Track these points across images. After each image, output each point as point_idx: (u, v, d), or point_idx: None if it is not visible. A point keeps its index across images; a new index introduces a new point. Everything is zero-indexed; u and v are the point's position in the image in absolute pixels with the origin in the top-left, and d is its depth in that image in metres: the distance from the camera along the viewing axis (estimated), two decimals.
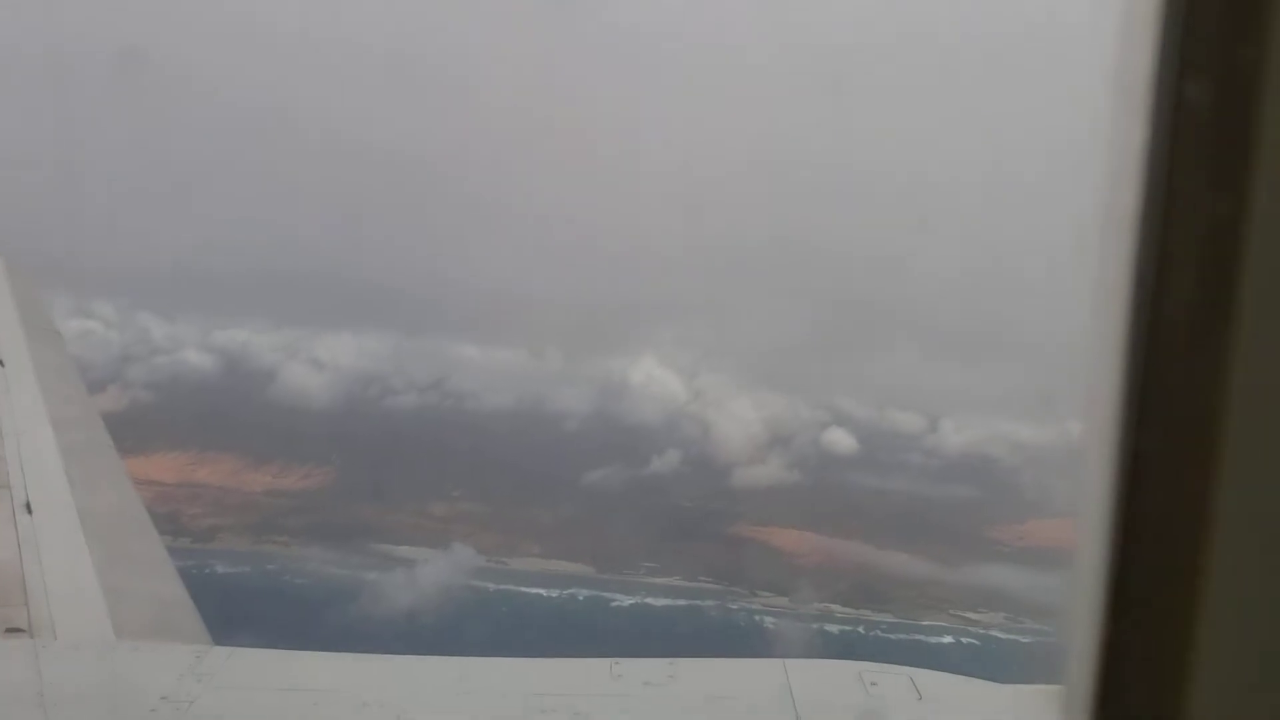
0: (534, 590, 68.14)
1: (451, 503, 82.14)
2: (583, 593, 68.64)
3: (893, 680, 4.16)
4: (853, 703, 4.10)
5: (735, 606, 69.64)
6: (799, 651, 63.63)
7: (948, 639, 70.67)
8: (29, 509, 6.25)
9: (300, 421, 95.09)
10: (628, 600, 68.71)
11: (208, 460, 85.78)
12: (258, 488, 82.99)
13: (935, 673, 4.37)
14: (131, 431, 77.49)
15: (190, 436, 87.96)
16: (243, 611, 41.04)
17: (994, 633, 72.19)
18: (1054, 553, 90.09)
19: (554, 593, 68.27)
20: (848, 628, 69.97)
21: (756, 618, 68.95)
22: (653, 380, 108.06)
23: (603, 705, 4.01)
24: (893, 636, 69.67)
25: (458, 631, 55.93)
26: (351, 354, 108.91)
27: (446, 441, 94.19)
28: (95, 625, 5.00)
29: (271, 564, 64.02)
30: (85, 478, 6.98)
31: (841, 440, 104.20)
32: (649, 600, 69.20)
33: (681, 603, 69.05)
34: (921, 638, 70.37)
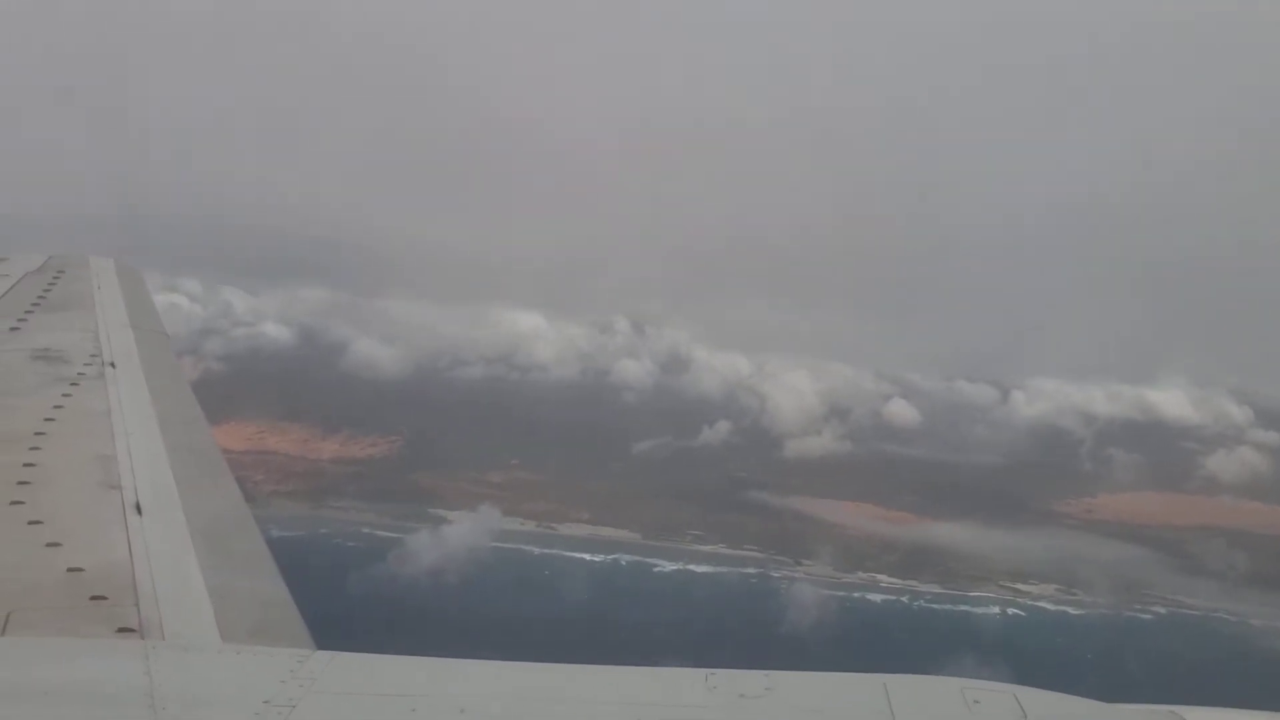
0: (578, 555, 69.60)
1: (509, 471, 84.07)
2: (626, 558, 69.90)
3: (997, 698, 3.93)
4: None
5: (778, 574, 70.09)
6: (836, 619, 64.15)
7: (994, 609, 70.39)
8: (139, 509, 6.19)
9: (371, 392, 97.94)
10: (670, 566, 69.81)
11: (278, 429, 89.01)
12: (324, 456, 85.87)
13: (1042, 691, 3.96)
14: (206, 402, 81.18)
15: (264, 407, 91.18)
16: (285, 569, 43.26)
17: (1043, 604, 71.70)
18: (1121, 526, 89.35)
19: (598, 557, 69.68)
20: (891, 597, 70.14)
21: (798, 585, 69.31)
22: (716, 354, 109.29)
23: (698, 716, 3.89)
24: (936, 606, 69.63)
25: (490, 590, 57.77)
26: (422, 325, 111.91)
27: (510, 412, 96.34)
28: (202, 627, 4.95)
29: (325, 528, 66.52)
30: (191, 479, 6.99)
31: (903, 412, 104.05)
32: (691, 567, 70.19)
33: (724, 570, 69.95)
34: (967, 608, 70.22)
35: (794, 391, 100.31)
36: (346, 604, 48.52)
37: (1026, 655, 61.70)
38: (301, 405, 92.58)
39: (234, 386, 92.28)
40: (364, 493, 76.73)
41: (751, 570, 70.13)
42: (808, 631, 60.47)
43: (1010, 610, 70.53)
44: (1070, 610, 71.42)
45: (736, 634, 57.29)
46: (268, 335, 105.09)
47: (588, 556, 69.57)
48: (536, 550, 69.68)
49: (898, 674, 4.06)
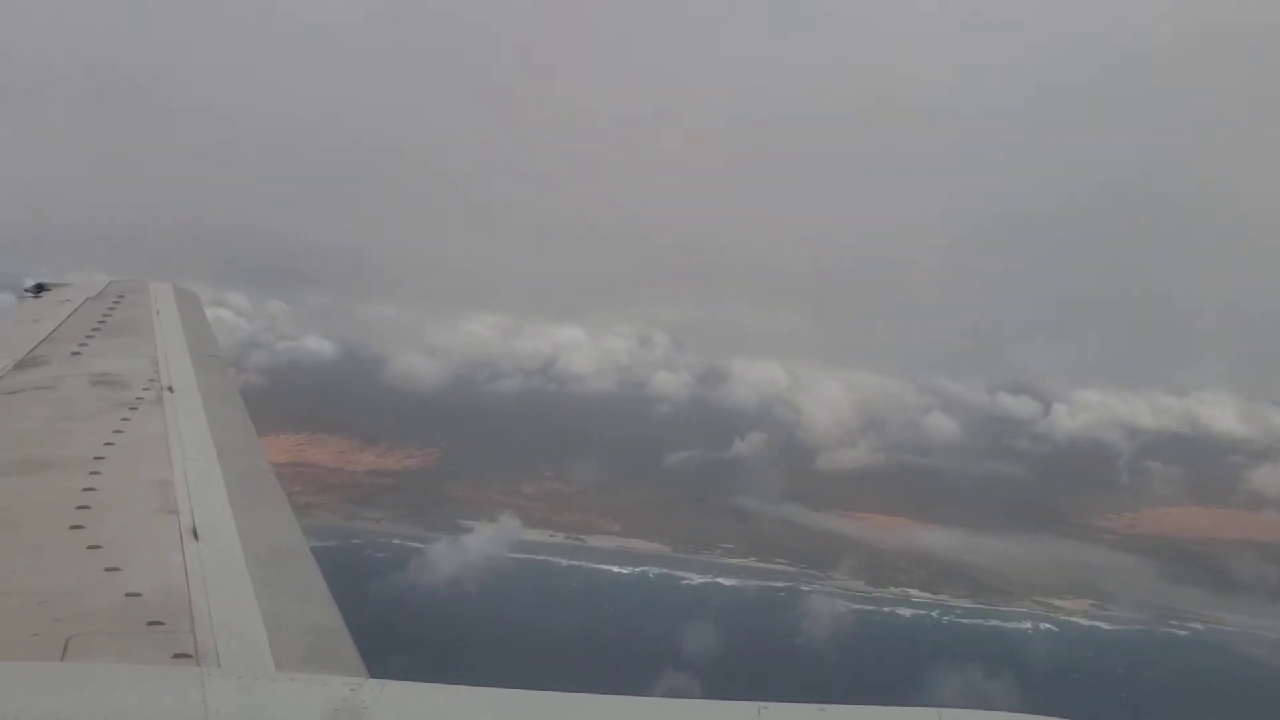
0: (606, 567, 69.86)
1: (541, 482, 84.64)
2: (654, 570, 70.08)
3: None
4: None
5: (807, 588, 69.89)
6: (863, 634, 63.92)
7: (1025, 625, 69.66)
8: (196, 535, 6.17)
9: (410, 404, 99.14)
10: (698, 579, 69.84)
11: (317, 441, 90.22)
12: (361, 467, 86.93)
13: None
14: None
15: (305, 419, 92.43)
16: None
17: (1076, 619, 70.84)
18: (1162, 541, 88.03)
19: (626, 569, 69.90)
20: (921, 612, 69.64)
21: (827, 599, 69.08)
22: (753, 365, 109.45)
23: None
24: (966, 621, 69.06)
25: (508, 602, 58.22)
26: (464, 338, 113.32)
27: (546, 424, 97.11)
28: (256, 653, 4.92)
29: (357, 538, 67.37)
30: (248, 504, 6.96)
31: (943, 425, 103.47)
32: (719, 580, 70.16)
33: (752, 583, 69.83)
34: (998, 623, 69.57)
35: (829, 404, 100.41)
36: (368, 614, 49.24)
37: (1055, 670, 61.20)
38: (342, 417, 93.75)
39: (277, 399, 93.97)
40: (397, 504, 77.60)
41: (780, 584, 69.87)
42: (830, 646, 60.23)
43: (1042, 625, 69.77)
44: (1103, 626, 70.52)
45: (756, 648, 57.29)
46: (307, 348, 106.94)
47: (615, 569, 69.85)
48: (564, 562, 70.03)
49: (954, 708, 3.84)
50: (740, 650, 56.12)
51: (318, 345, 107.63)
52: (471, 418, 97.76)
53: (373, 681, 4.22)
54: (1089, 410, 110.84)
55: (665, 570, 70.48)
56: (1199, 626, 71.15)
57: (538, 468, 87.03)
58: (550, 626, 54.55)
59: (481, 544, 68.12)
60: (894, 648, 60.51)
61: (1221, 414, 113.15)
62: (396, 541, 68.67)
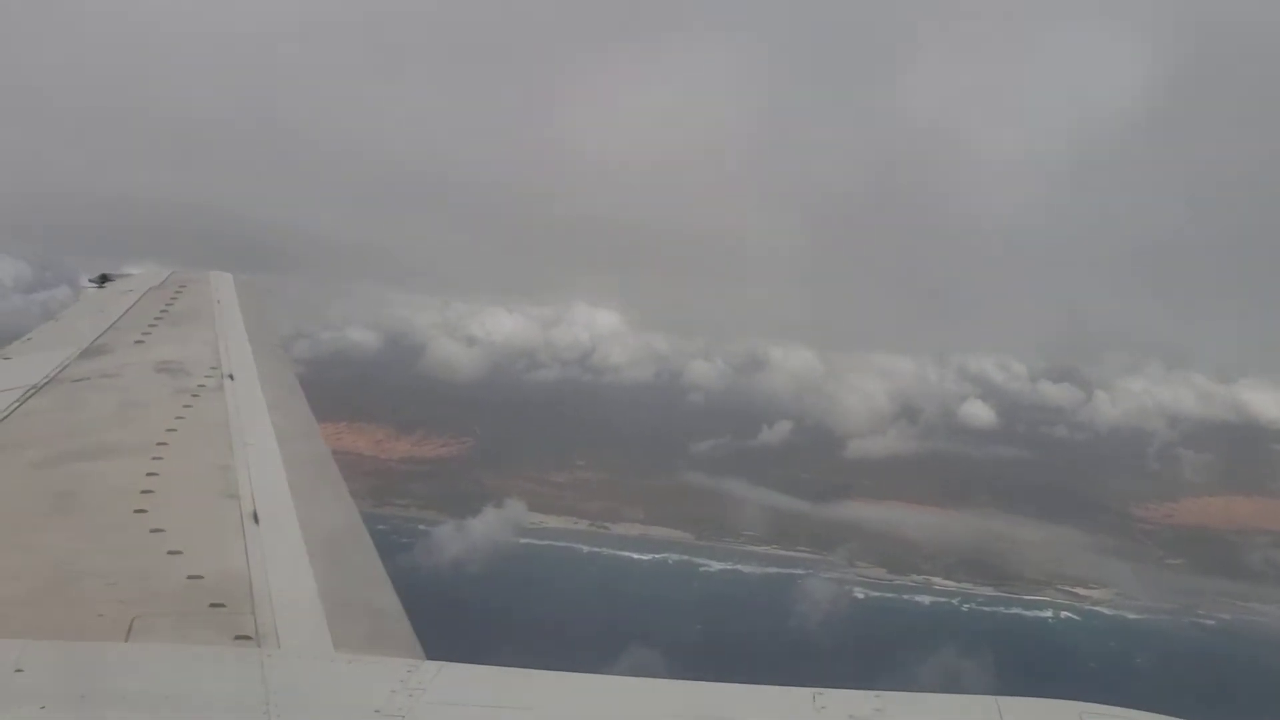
0: (627, 554, 70.69)
1: (573, 471, 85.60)
2: (674, 557, 70.74)
3: None
4: None
5: (828, 576, 70.12)
6: (883, 622, 64.03)
7: (1047, 613, 69.39)
8: (256, 519, 6.26)
9: (448, 393, 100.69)
10: (718, 566, 70.43)
11: (355, 429, 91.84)
12: (396, 455, 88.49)
13: (1160, 716, 3.77)
14: None
15: (345, 407, 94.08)
16: None
17: (1099, 609, 70.37)
18: (1199, 531, 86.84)
19: (647, 556, 70.62)
20: (941, 600, 69.61)
21: (847, 587, 69.34)
22: (789, 356, 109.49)
23: None
24: (987, 609, 68.97)
25: (520, 587, 59.19)
26: (505, 328, 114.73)
27: (581, 413, 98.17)
28: (315, 635, 4.97)
29: (383, 525, 68.68)
30: (307, 489, 7.06)
31: (980, 413, 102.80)
32: (739, 567, 70.69)
33: (773, 570, 70.20)
34: (1019, 611, 69.39)
35: (864, 392, 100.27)
36: None
37: (1071, 658, 60.93)
38: (381, 406, 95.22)
39: (317, 388, 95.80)
40: (428, 492, 78.98)
41: (800, 571, 70.10)
42: (839, 632, 60.50)
43: (1064, 614, 69.44)
44: (1128, 615, 69.92)
45: (763, 633, 57.78)
46: (350, 339, 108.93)
47: (636, 555, 70.63)
48: (585, 549, 70.98)
49: (1011, 696, 3.80)
50: (746, 636, 56.64)
51: (361, 335, 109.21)
52: (507, 407, 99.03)
53: (429, 663, 4.34)
54: (1132, 398, 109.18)
55: (685, 557, 71.14)
56: (1227, 617, 70.25)
57: (569, 456, 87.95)
58: (561, 611, 55.39)
59: (503, 531, 69.37)
60: (906, 634, 60.56)
61: (1269, 401, 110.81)
62: (422, 528, 69.94)
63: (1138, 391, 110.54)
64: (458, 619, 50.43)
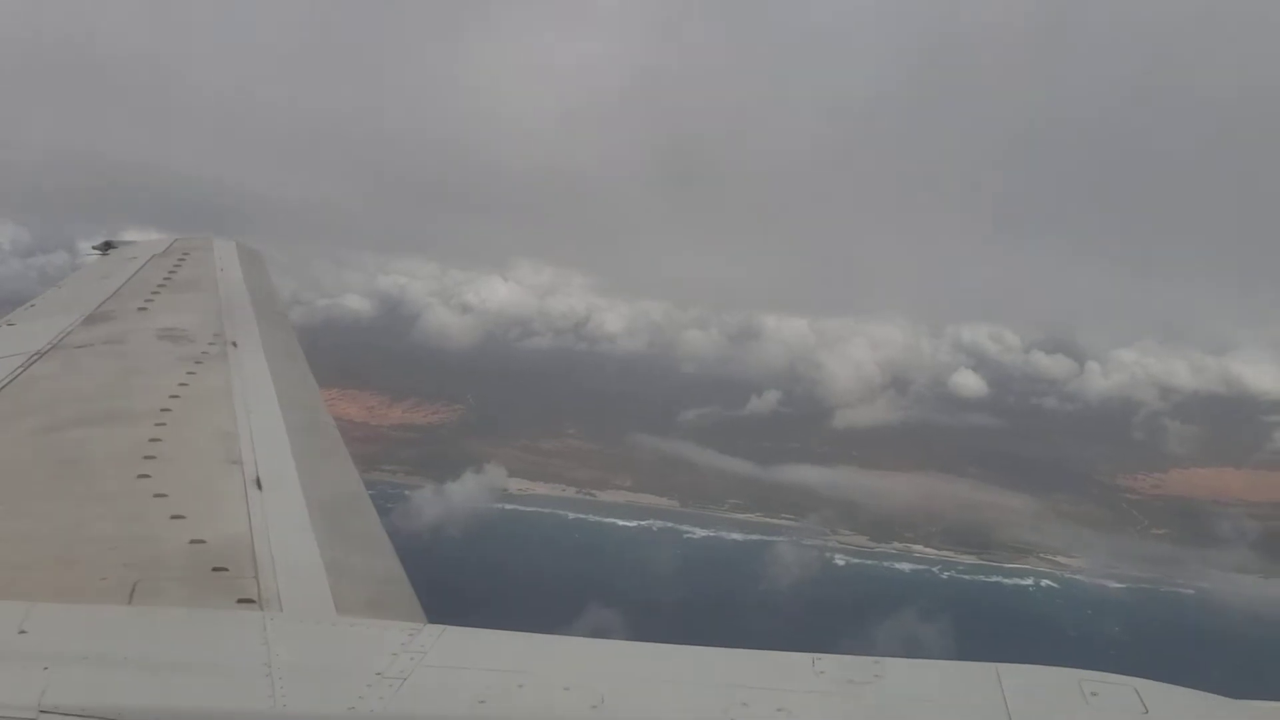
0: (612, 520, 71.44)
1: (562, 439, 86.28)
2: (658, 524, 71.47)
3: (1116, 690, 3.73)
4: (1070, 713, 3.69)
5: (809, 543, 70.82)
6: (859, 588, 64.71)
7: (1027, 581, 70.00)
8: (259, 484, 6.28)
9: (442, 361, 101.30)
10: (701, 533, 71.14)
11: (348, 396, 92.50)
12: (388, 422, 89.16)
13: (1164, 685, 3.80)
14: None
15: (339, 374, 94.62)
16: None
17: (1079, 577, 70.95)
18: (1185, 502, 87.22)
19: (631, 523, 71.39)
20: (921, 567, 70.27)
21: (827, 554, 70.10)
22: (784, 326, 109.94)
23: (804, 702, 3.74)
24: (967, 577, 69.62)
25: (500, 551, 59.99)
26: (500, 296, 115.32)
27: (572, 382, 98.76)
28: (318, 599, 5.02)
29: (371, 490, 69.32)
30: (309, 456, 7.04)
31: (969, 383, 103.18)
32: (722, 534, 71.39)
33: (755, 537, 70.87)
34: (1000, 579, 69.99)
35: (854, 361, 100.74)
36: None
37: (1045, 625, 61.67)
38: (375, 373, 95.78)
39: (311, 355, 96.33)
40: (416, 458, 79.54)
41: (782, 538, 70.76)
42: (814, 597, 61.27)
43: (1044, 582, 70.03)
44: (1109, 584, 70.48)
45: (737, 597, 58.53)
46: (346, 306, 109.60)
47: (621, 522, 71.41)
48: (570, 515, 71.73)
49: (1011, 663, 3.85)
50: (719, 599, 57.39)
51: (357, 303, 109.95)
52: (500, 375, 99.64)
53: (431, 626, 4.37)
54: (1124, 369, 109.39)
55: (670, 524, 71.83)
56: (1206, 586, 70.69)
57: (560, 424, 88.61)
58: (533, 574, 56.20)
59: (488, 497, 70.10)
60: (881, 600, 61.24)
61: (1260, 373, 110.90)
62: (408, 493, 70.62)
63: (1130, 363, 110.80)
64: (431, 583, 51.38)
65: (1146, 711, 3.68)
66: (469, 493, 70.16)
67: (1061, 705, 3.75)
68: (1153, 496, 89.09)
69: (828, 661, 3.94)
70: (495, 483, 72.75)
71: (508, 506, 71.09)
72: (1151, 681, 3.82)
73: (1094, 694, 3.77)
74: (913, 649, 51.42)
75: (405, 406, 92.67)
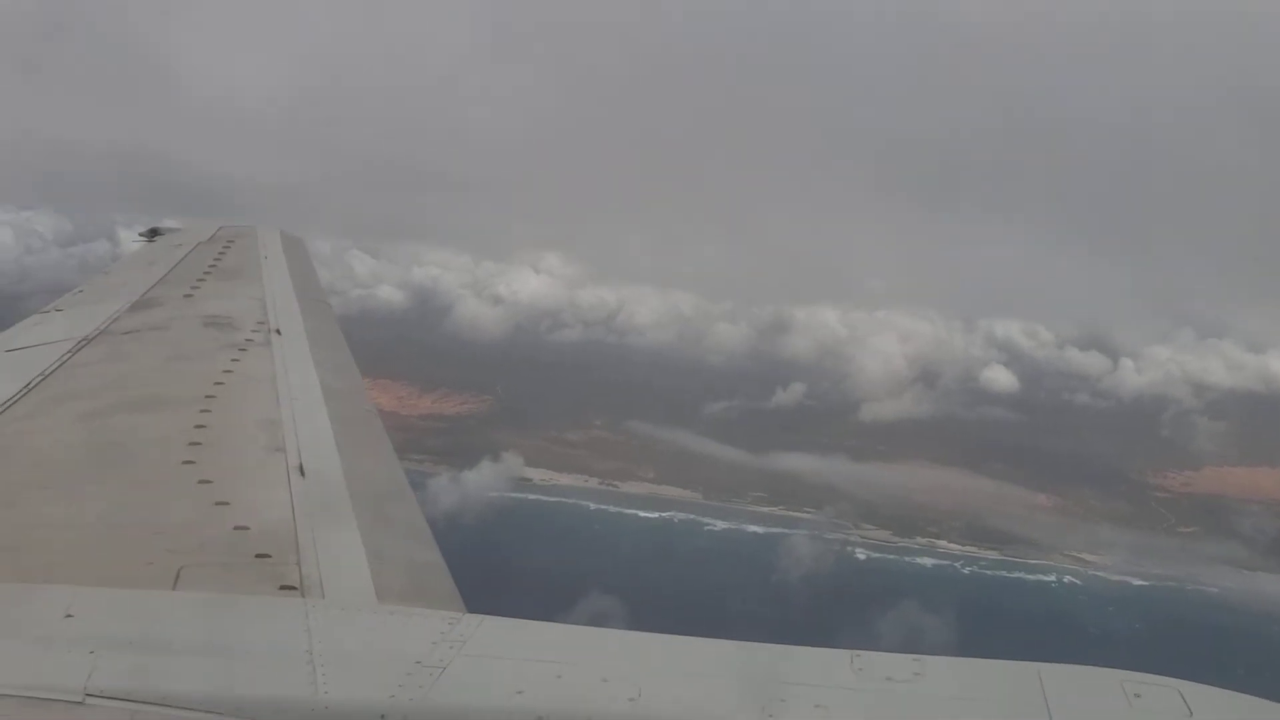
0: (633, 511, 71.72)
1: (588, 430, 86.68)
2: (680, 516, 71.70)
3: (1159, 693, 3.66)
4: (1113, 714, 3.66)
5: (831, 536, 70.83)
6: (878, 582, 64.63)
7: (1050, 577, 69.65)
8: (302, 472, 6.33)
9: (472, 352, 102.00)
10: (722, 525, 71.30)
11: (379, 386, 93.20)
12: (417, 412, 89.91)
13: (1208, 687, 3.72)
14: None
15: (369, 365, 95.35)
16: None
17: (1102, 574, 70.49)
18: (1216, 501, 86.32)
19: (653, 514, 71.64)
20: (944, 562, 70.07)
21: (849, 548, 70.10)
22: (814, 319, 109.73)
23: (842, 699, 3.73)
24: (989, 573, 69.32)
25: (513, 542, 60.22)
26: (530, 288, 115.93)
27: (602, 374, 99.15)
28: (359, 587, 5.01)
29: None
30: (352, 444, 7.08)
31: (1000, 378, 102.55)
32: (744, 526, 71.48)
33: (776, 530, 70.87)
34: (1022, 575, 69.65)
35: (883, 354, 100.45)
36: None
37: (1066, 622, 61.33)
38: (406, 363, 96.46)
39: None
40: (443, 448, 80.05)
41: (804, 532, 70.76)
42: (830, 591, 61.34)
43: (1067, 579, 69.64)
44: (1133, 581, 69.99)
45: (749, 589, 58.61)
46: (379, 297, 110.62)
47: (642, 513, 71.67)
48: (592, 506, 72.07)
49: (1053, 663, 3.81)
50: (734, 591, 57.49)
51: (390, 294, 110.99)
52: (529, 367, 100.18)
53: (470, 616, 4.37)
54: (1158, 366, 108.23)
55: (691, 516, 72.04)
56: (1232, 585, 70.01)
57: (586, 416, 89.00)
58: (550, 564, 56.62)
59: (509, 486, 70.63)
60: (900, 595, 61.12)
61: None
62: (429, 482, 71.15)
63: (1165, 360, 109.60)
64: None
65: (1190, 714, 3.62)
66: (488, 481, 70.62)
67: (1104, 707, 3.70)
68: (1183, 495, 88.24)
69: (866, 658, 3.92)
70: (513, 471, 73.20)
71: (530, 496, 71.62)
72: (1195, 684, 3.76)
73: (1137, 695, 3.71)
74: (925, 643, 51.44)
75: (434, 397, 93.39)
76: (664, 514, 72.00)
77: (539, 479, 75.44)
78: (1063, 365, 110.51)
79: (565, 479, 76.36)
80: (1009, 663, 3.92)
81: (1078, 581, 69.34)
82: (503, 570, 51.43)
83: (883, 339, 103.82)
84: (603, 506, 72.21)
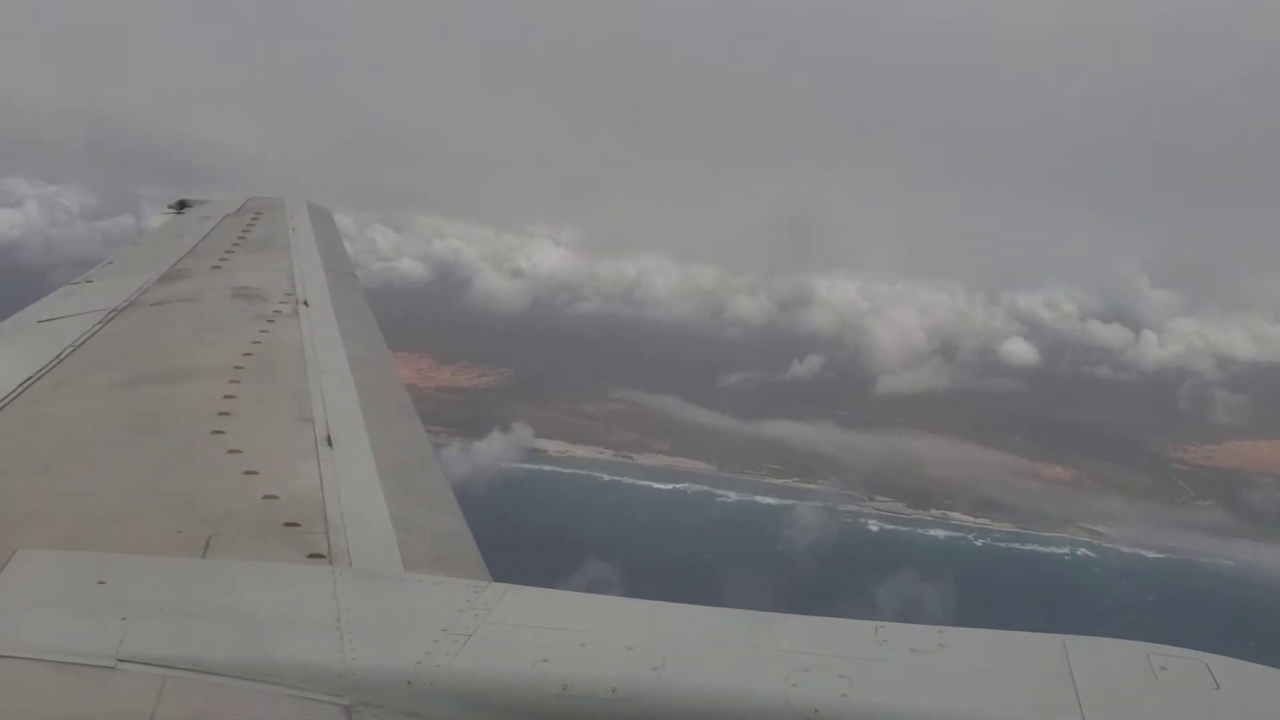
0: (647, 483, 72.13)
1: (604, 403, 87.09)
2: (693, 488, 72.03)
3: (1185, 665, 3.61)
4: (1138, 687, 3.59)
5: (844, 509, 70.97)
6: (886, 554, 64.69)
7: (1063, 550, 69.61)
8: (330, 442, 6.36)
9: (491, 324, 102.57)
10: (735, 496, 71.54)
11: (398, 359, 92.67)
12: (435, 384, 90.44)
13: (1236, 660, 3.65)
14: None
15: (389, 337, 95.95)
16: None
17: (1118, 547, 70.38)
18: (1237, 475, 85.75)
19: (666, 486, 72.04)
20: (957, 534, 70.13)
21: (861, 520, 70.24)
22: (834, 291, 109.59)
23: (866, 669, 3.70)
24: (1002, 545, 69.38)
25: (530, 510, 60.68)
26: (551, 261, 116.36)
27: (620, 347, 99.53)
28: (386, 556, 5.04)
29: None
30: (379, 415, 7.09)
31: (1020, 351, 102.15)
32: (757, 498, 71.69)
33: (788, 502, 71.05)
34: (1036, 548, 69.66)
35: (902, 327, 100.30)
36: None
37: (1074, 594, 61.33)
38: (425, 336, 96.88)
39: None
40: (460, 420, 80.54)
41: (816, 503, 70.90)
42: (835, 562, 61.49)
43: (1080, 551, 69.58)
44: (1147, 554, 69.87)
45: (757, 563, 58.84)
46: (400, 270, 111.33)
47: (655, 485, 72.08)
48: (606, 477, 72.52)
49: (1077, 634, 3.79)
50: (732, 562, 57.60)
51: (410, 267, 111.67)
52: (547, 339, 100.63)
53: (496, 585, 4.38)
54: (1181, 339, 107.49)
55: (704, 488, 72.38)
56: (1248, 558, 69.71)
57: (603, 389, 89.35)
58: (565, 536, 57.06)
59: (522, 458, 71.13)
60: (907, 566, 61.28)
61: None
62: (445, 453, 71.58)
63: (1189, 332, 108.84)
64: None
65: (1218, 687, 3.58)
66: (502, 453, 71.21)
67: (1130, 679, 3.65)
68: (1203, 468, 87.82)
69: (891, 629, 3.89)
70: (528, 443, 73.65)
71: (544, 468, 72.13)
72: (1222, 657, 3.70)
73: (1163, 668, 3.66)
74: (927, 618, 51.51)
75: (453, 370, 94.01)
76: (678, 485, 72.42)
77: (554, 451, 75.95)
78: (1084, 338, 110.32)
79: (581, 451, 76.86)
80: (1033, 634, 3.88)
81: (1091, 554, 69.29)
82: (512, 542, 52.03)
83: (902, 311, 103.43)
84: (617, 478, 72.67)
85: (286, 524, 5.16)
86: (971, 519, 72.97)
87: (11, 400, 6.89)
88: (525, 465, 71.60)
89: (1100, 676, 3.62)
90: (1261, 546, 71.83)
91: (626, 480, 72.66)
